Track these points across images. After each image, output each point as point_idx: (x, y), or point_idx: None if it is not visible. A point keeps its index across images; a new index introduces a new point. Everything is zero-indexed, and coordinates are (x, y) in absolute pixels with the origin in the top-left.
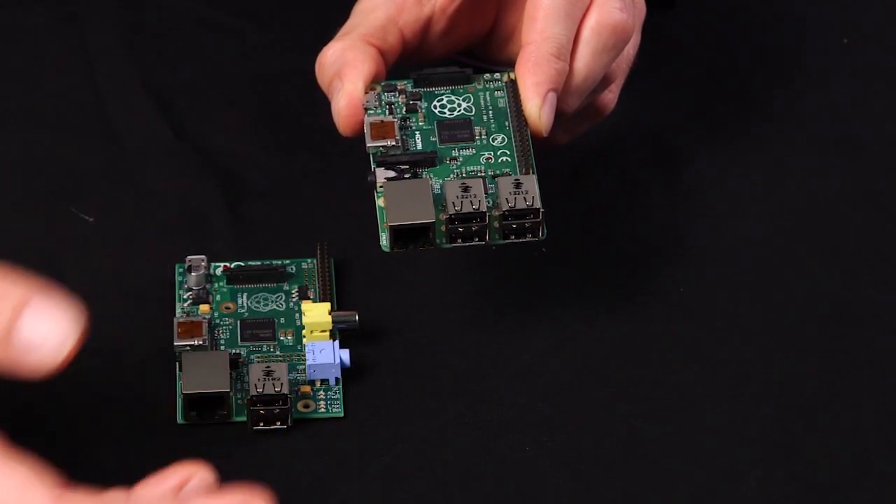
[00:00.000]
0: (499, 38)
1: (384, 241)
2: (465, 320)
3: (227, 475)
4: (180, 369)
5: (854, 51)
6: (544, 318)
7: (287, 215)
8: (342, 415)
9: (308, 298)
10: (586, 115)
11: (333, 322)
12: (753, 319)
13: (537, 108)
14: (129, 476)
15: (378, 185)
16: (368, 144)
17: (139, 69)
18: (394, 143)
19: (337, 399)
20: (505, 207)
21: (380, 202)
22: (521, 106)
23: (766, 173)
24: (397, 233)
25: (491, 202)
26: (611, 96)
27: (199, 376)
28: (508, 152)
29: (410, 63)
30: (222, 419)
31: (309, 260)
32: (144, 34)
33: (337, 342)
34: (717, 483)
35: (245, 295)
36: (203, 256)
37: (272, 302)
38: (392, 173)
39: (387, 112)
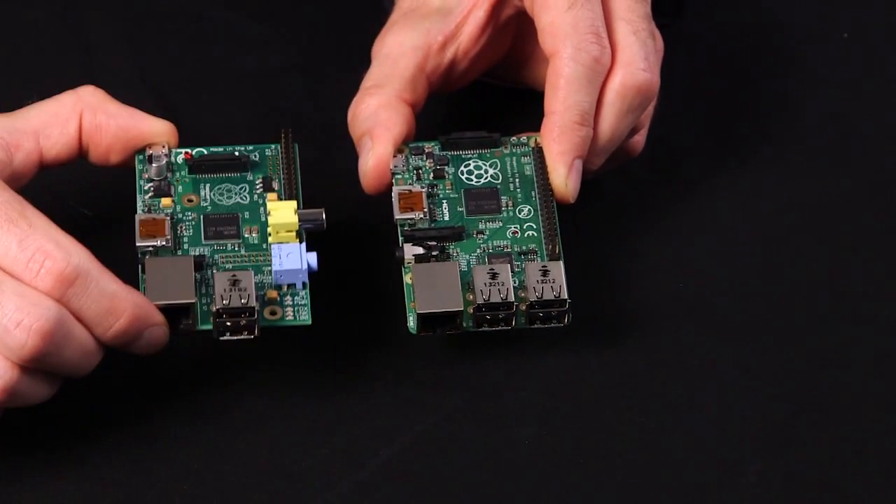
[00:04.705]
0: (514, 62)
1: (412, 323)
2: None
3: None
4: (143, 273)
5: (854, 48)
6: None
7: None
8: (309, 322)
9: (273, 190)
10: (614, 157)
11: (300, 220)
12: (753, 316)
13: (563, 177)
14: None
15: (406, 261)
16: (397, 216)
17: (139, 64)
18: (421, 214)
19: (304, 305)
20: (532, 297)
21: (407, 278)
22: (547, 173)
23: (765, 172)
24: (426, 319)
25: (517, 282)
26: (639, 139)
27: (164, 286)
28: (535, 226)
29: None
30: (188, 329)
31: (273, 146)
32: (144, 29)
33: (304, 244)
34: (717, 478)
35: (207, 186)
36: (164, 144)
37: (236, 194)
38: (420, 249)
39: (414, 178)
